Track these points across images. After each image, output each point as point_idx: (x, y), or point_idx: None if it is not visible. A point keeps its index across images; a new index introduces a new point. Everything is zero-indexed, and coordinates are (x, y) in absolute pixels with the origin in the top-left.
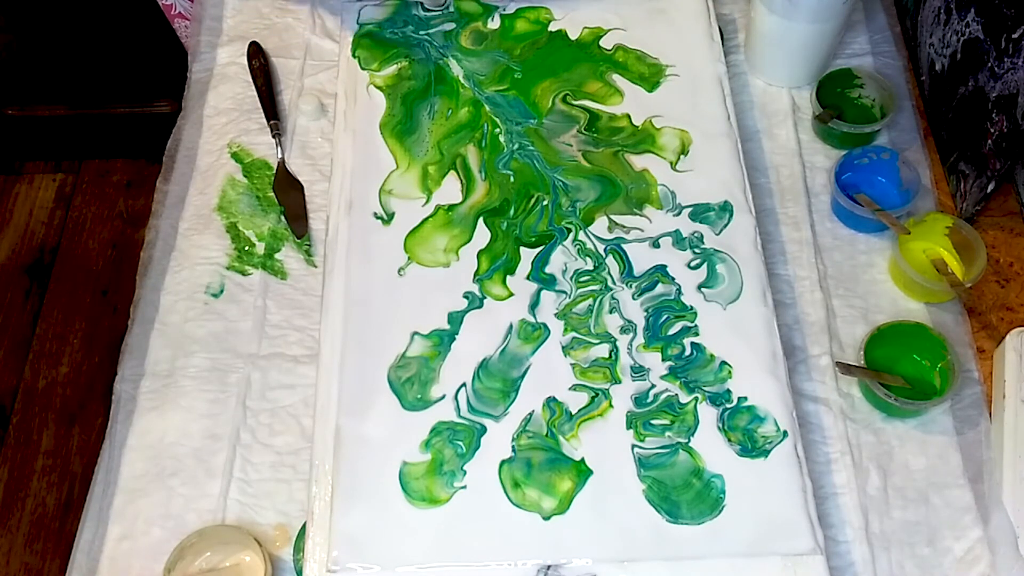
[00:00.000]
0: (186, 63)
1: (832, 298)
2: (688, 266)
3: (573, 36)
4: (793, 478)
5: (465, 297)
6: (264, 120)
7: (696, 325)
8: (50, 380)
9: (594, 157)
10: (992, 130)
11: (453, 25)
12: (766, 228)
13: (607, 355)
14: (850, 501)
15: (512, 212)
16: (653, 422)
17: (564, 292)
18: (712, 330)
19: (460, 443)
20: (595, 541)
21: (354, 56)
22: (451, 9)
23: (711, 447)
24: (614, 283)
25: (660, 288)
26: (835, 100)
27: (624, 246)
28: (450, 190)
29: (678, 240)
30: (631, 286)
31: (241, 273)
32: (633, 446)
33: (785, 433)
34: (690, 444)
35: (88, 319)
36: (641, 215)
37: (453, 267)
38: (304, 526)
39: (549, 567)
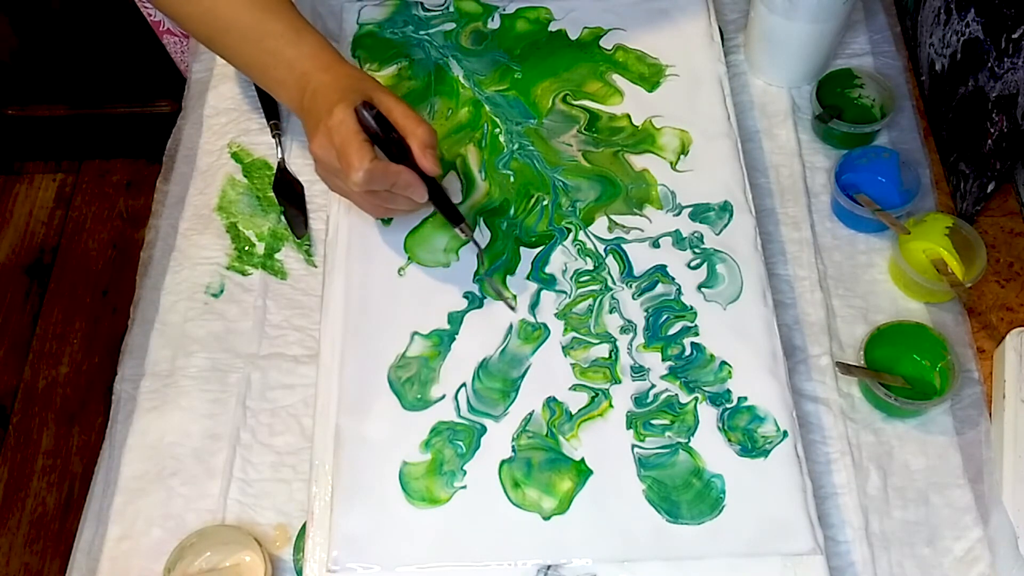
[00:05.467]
0: (179, 73)
1: (832, 298)
2: (688, 266)
3: (573, 36)
4: (793, 478)
5: (465, 297)
6: (264, 120)
7: (696, 325)
8: (50, 380)
9: (594, 157)
10: (992, 130)
11: (453, 25)
12: (766, 228)
13: (607, 355)
14: (850, 501)
15: (512, 212)
16: (653, 422)
17: (564, 292)
18: (712, 330)
19: (460, 443)
20: (595, 541)
21: (354, 56)
22: (451, 9)
23: (711, 447)
24: (614, 283)
25: (660, 288)
26: (835, 100)
27: (624, 246)
28: (450, 190)
29: (678, 240)
30: (631, 286)
31: (241, 273)
32: (633, 446)
33: (785, 433)
34: (690, 444)
35: (88, 319)
36: (641, 215)
37: (453, 267)
38: (304, 526)
39: (549, 567)
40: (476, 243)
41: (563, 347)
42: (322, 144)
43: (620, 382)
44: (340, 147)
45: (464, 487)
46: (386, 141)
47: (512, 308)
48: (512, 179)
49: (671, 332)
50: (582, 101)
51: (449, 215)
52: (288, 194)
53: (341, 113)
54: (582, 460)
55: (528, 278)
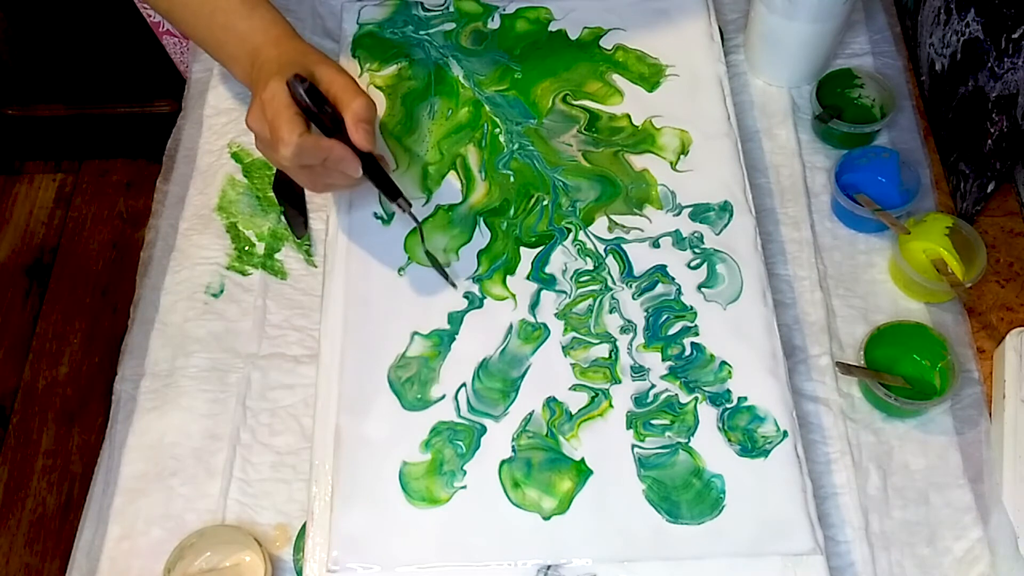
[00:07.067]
0: (179, 74)
1: (832, 298)
2: (688, 266)
3: (573, 36)
4: (793, 478)
5: (465, 297)
6: None
7: (696, 325)
8: (50, 380)
9: (594, 157)
10: (992, 130)
11: (453, 25)
12: (766, 228)
13: (607, 355)
14: (850, 501)
15: (512, 212)
16: (653, 422)
17: (564, 292)
18: (712, 330)
19: (460, 443)
20: (595, 541)
21: (354, 56)
22: (451, 9)
23: (711, 447)
24: (614, 283)
25: (660, 288)
26: (835, 100)
27: (624, 246)
28: (450, 190)
29: (678, 240)
30: (631, 286)
31: (241, 273)
32: (633, 446)
33: (785, 433)
34: (690, 444)
35: (88, 319)
36: (641, 215)
37: (453, 267)
38: (304, 526)
39: (549, 567)
40: (415, 219)
41: (563, 347)
42: (256, 117)
43: (620, 382)
44: (271, 121)
45: (464, 487)
46: (320, 115)
47: (454, 286)
48: (512, 179)
49: (671, 332)
50: (582, 101)
51: (386, 190)
52: (288, 194)
53: (274, 86)
54: (582, 460)
55: (528, 278)
